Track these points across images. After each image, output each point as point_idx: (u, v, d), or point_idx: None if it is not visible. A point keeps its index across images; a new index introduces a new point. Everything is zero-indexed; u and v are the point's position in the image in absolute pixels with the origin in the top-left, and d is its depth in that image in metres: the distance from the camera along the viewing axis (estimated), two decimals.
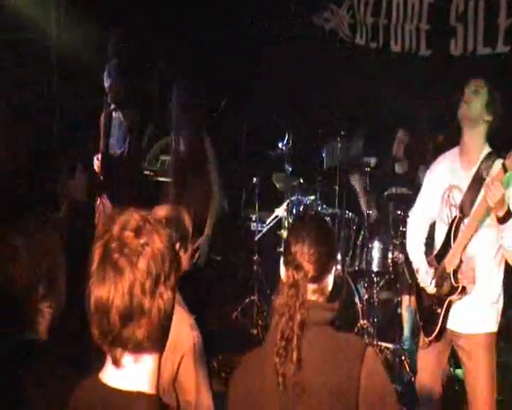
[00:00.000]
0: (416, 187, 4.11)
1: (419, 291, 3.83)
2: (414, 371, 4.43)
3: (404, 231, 4.74)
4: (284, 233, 5.92)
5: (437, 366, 3.80)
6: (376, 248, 5.66)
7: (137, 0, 7.15)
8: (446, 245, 3.62)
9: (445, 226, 3.66)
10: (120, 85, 5.75)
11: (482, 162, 3.56)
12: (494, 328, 3.63)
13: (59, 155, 4.21)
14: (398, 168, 6.10)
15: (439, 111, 5.76)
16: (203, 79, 5.81)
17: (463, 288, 3.54)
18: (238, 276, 6.74)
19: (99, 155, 5.57)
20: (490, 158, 3.55)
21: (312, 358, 2.10)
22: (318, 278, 2.20)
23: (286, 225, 6.03)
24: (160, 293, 1.49)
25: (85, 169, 4.30)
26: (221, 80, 6.64)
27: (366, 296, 5.64)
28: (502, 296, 3.64)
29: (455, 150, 3.72)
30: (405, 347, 5.34)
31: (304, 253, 2.18)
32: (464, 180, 3.61)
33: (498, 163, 3.43)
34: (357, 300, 5.66)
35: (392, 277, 5.68)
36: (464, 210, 3.56)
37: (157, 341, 1.52)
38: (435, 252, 3.74)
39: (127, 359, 1.51)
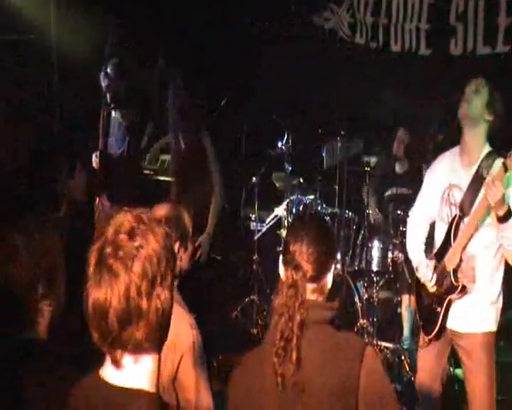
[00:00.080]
0: (416, 187, 4.11)
1: (419, 290, 3.83)
2: (413, 370, 4.44)
3: (404, 231, 4.75)
4: (284, 232, 5.91)
5: (436, 365, 3.80)
6: (376, 247, 5.67)
7: (137, 0, 7.15)
8: (446, 244, 3.63)
9: (445, 225, 3.66)
10: (119, 86, 5.75)
11: (482, 161, 3.56)
12: (494, 327, 3.63)
13: (59, 155, 4.21)
14: (398, 168, 6.11)
15: (439, 111, 5.77)
16: (203, 79, 5.81)
17: (463, 287, 3.55)
18: (238, 275, 6.73)
19: (97, 152, 5.58)
20: (490, 157, 3.55)
21: (312, 358, 2.10)
22: (317, 277, 2.19)
23: (286, 224, 6.03)
24: (157, 294, 1.49)
25: (84, 168, 4.30)
26: (221, 80, 6.64)
27: (366, 296, 5.64)
28: (501, 296, 3.65)
29: (455, 150, 3.72)
30: (405, 346, 5.35)
31: (302, 252, 2.17)
32: (464, 179, 3.61)
33: (499, 162, 3.44)
34: (356, 299, 5.66)
35: (392, 276, 5.69)
36: (464, 209, 3.57)
37: (156, 341, 1.52)
38: (435, 251, 3.74)
39: (127, 359, 1.51)
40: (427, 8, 6.69)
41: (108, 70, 5.84)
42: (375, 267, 5.64)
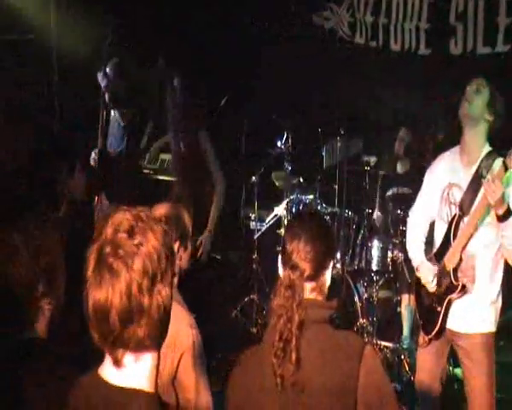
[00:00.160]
0: (416, 186, 4.11)
1: (418, 290, 3.83)
2: (413, 370, 4.44)
3: (404, 230, 4.75)
4: (283, 232, 5.91)
5: (436, 365, 3.80)
6: (376, 247, 5.67)
7: (137, 0, 7.15)
8: (446, 243, 3.63)
9: (445, 224, 3.66)
10: (118, 86, 5.75)
11: (482, 161, 3.56)
12: (493, 327, 3.64)
13: (59, 155, 4.21)
14: (399, 168, 6.11)
15: (439, 110, 5.77)
16: (203, 78, 5.81)
17: (463, 286, 3.55)
18: (238, 275, 6.73)
19: (96, 150, 5.58)
20: (490, 157, 3.55)
21: (311, 358, 2.10)
22: (315, 276, 2.19)
23: (285, 223, 6.03)
24: (158, 290, 1.49)
25: (84, 168, 4.30)
26: (221, 80, 6.64)
27: (365, 295, 5.64)
28: (501, 295, 3.65)
29: (455, 149, 3.73)
30: (405, 346, 5.34)
31: (300, 251, 2.17)
32: (464, 179, 3.62)
33: (499, 162, 3.44)
34: (356, 299, 5.65)
35: (392, 276, 5.68)
36: (464, 208, 3.57)
37: (157, 338, 1.53)
38: (435, 250, 3.74)
39: (128, 358, 1.51)
40: (427, 8, 6.69)
41: (107, 70, 5.84)
42: (374, 267, 5.64)
